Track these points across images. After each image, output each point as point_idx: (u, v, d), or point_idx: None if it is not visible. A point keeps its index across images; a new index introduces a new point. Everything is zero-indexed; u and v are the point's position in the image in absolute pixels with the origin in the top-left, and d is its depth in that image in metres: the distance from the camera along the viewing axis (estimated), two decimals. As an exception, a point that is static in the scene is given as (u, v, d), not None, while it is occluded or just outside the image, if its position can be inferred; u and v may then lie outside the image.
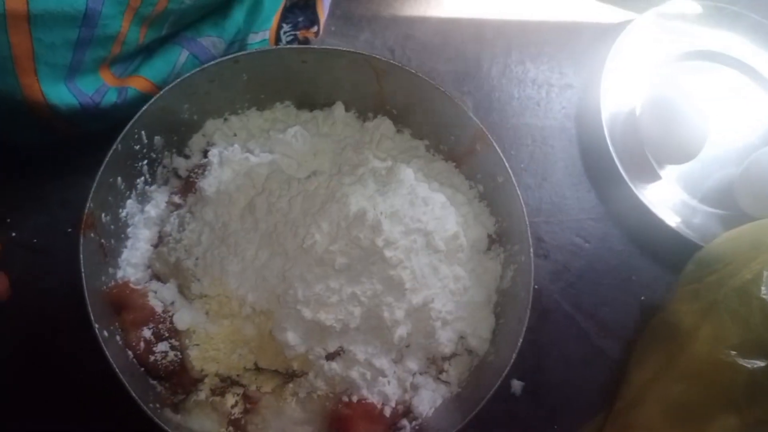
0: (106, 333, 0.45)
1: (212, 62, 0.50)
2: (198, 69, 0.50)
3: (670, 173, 0.68)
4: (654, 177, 0.67)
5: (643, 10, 0.70)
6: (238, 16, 0.57)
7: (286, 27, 0.63)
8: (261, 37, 0.61)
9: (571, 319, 0.62)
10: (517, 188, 0.51)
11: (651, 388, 0.58)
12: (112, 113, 0.53)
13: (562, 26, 0.72)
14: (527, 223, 0.50)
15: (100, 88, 0.51)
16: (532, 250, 0.49)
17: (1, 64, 0.44)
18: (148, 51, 0.55)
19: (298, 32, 0.63)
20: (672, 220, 0.64)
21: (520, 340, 0.47)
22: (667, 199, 0.66)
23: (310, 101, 0.58)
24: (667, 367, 0.57)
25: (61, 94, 0.48)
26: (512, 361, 0.47)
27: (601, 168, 0.66)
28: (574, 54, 0.71)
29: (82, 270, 0.43)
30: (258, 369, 0.50)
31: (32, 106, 0.48)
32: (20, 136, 0.52)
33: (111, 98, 0.52)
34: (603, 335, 0.62)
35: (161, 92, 0.48)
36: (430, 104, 0.54)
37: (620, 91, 0.68)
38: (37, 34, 0.45)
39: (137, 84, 0.53)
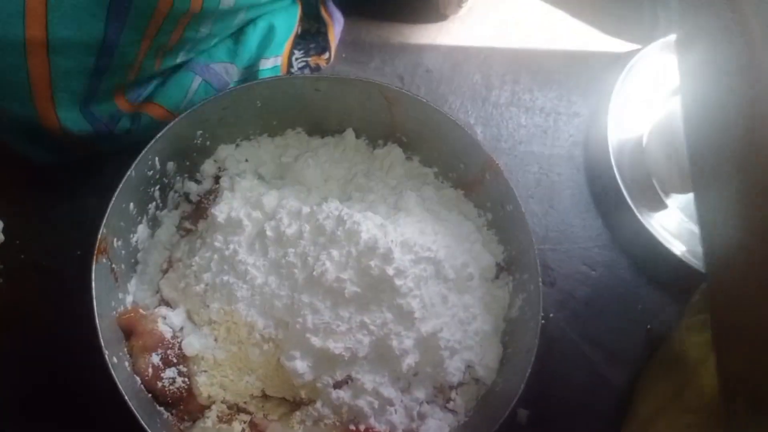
0: (115, 359, 0.45)
1: (226, 90, 0.51)
2: (213, 97, 0.50)
3: (676, 202, 0.68)
4: (660, 205, 0.67)
5: (647, 42, 0.70)
6: (251, 42, 0.58)
7: (297, 53, 0.63)
8: (273, 62, 0.61)
9: (577, 347, 0.62)
10: (526, 217, 0.51)
11: (658, 419, 0.57)
12: (125, 137, 0.53)
13: (571, 55, 0.73)
14: (536, 252, 0.50)
15: (114, 114, 0.52)
16: (540, 279, 0.50)
17: (19, 89, 0.45)
18: (161, 77, 0.56)
19: (309, 59, 0.64)
20: (678, 248, 0.64)
21: (529, 370, 0.47)
22: (673, 228, 0.66)
23: (321, 128, 0.58)
24: (674, 398, 0.57)
25: (75, 120, 0.49)
26: (521, 391, 0.47)
27: (607, 196, 0.66)
28: (582, 82, 0.71)
29: (93, 296, 0.44)
30: (265, 396, 0.50)
31: (47, 130, 0.48)
32: (36, 155, 0.53)
33: (125, 125, 0.52)
34: (609, 364, 0.62)
35: (175, 120, 0.49)
36: (440, 132, 0.55)
37: (628, 119, 0.68)
38: (55, 61, 0.45)
39: (151, 110, 0.54)
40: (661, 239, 0.63)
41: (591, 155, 0.69)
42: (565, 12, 0.74)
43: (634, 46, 0.73)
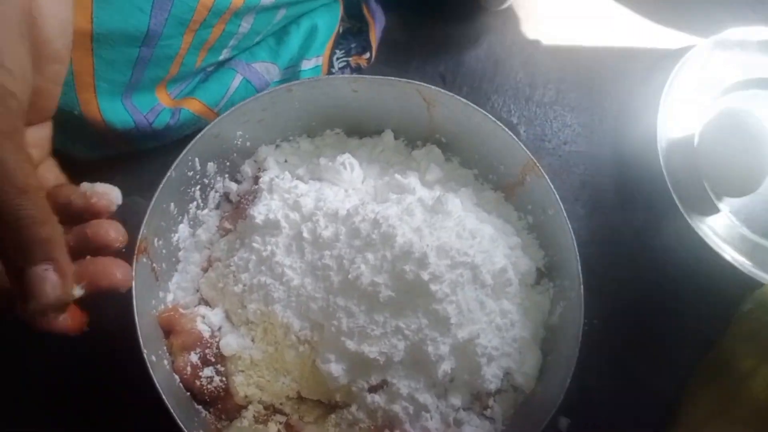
0: (154, 357, 0.45)
1: (266, 91, 0.51)
2: (252, 98, 0.50)
3: (728, 206, 0.65)
4: (712, 209, 0.64)
5: (708, 35, 0.67)
6: (293, 42, 0.58)
7: (338, 53, 0.63)
8: (314, 63, 0.61)
9: (620, 354, 0.60)
10: (568, 222, 0.50)
11: (704, 430, 0.56)
12: (164, 133, 0.54)
13: (618, 52, 0.71)
14: (578, 258, 0.49)
15: (154, 107, 0.53)
16: (582, 287, 0.48)
17: None
18: (203, 73, 0.56)
19: (350, 58, 0.64)
20: (729, 254, 0.62)
21: (569, 379, 0.46)
22: (725, 233, 0.64)
23: (359, 129, 0.58)
24: (722, 409, 0.55)
25: (116, 111, 0.50)
26: (560, 400, 0.46)
27: (656, 199, 0.64)
28: (630, 80, 0.69)
29: (134, 295, 0.44)
30: (301, 398, 0.50)
31: (89, 121, 0.49)
32: (76, 150, 0.54)
33: (164, 119, 0.53)
34: (654, 372, 0.60)
35: (215, 120, 0.49)
36: (480, 133, 0.54)
37: (678, 118, 0.66)
38: (99, 52, 0.46)
39: (191, 106, 0.54)
40: (711, 244, 0.61)
41: (639, 156, 0.66)
42: (623, 4, 0.72)
43: (685, 43, 0.70)
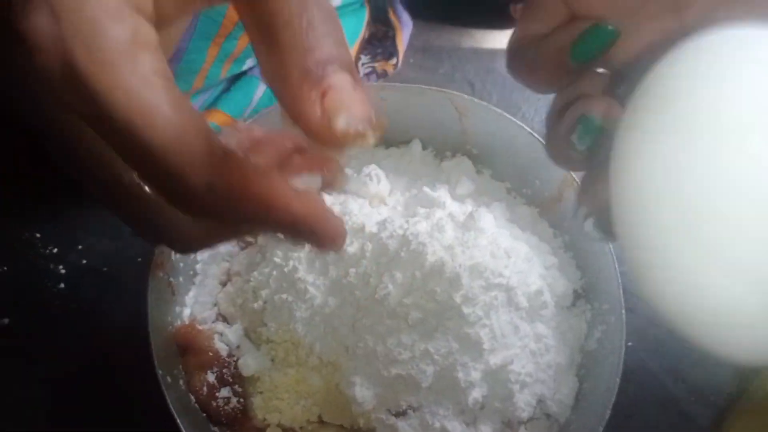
0: (169, 378, 0.43)
1: (289, 99, 0.49)
2: (275, 105, 0.48)
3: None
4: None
5: None
6: (317, 49, 0.56)
7: (364, 59, 0.61)
8: (340, 68, 0.59)
9: (658, 380, 0.57)
10: (610, 243, 0.47)
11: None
12: None
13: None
14: (619, 281, 0.46)
15: None
16: (624, 311, 0.45)
17: None
18: (225, 82, 0.54)
19: (376, 64, 0.61)
20: (774, 276, 0.58)
21: (608, 411, 0.43)
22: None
23: (386, 138, 0.55)
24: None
25: None
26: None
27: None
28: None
29: (150, 313, 0.42)
30: (322, 422, 0.48)
31: None
32: None
33: None
34: (693, 400, 0.57)
35: (236, 128, 0.47)
36: (514, 145, 0.51)
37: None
38: None
39: (215, 118, 0.52)
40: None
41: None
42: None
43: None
